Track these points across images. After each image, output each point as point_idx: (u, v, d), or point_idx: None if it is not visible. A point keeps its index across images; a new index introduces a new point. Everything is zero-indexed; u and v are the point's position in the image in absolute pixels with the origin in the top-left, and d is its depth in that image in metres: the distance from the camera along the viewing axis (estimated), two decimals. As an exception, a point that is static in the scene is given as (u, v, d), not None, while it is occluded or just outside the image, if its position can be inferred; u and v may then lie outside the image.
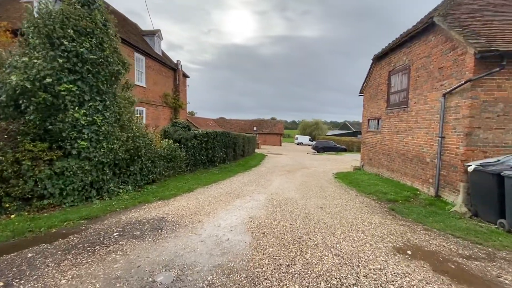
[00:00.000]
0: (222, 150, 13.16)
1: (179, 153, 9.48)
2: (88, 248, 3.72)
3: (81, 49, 5.82)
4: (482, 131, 6.12)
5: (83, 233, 4.27)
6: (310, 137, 63.22)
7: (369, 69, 12.57)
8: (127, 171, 7.08)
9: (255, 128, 56.18)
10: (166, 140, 9.17)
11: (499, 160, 5.50)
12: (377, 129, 11.72)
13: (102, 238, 4.11)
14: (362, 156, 13.61)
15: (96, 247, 3.76)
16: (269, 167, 14.94)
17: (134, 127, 7.39)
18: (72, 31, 5.79)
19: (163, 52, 21.98)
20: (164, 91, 19.96)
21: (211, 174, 10.56)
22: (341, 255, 3.74)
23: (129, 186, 6.99)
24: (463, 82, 6.23)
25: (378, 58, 11.55)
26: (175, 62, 22.24)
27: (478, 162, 5.74)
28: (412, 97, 8.71)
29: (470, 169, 5.75)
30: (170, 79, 21.22)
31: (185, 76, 24.26)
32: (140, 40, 17.73)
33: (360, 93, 13.84)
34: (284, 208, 6.12)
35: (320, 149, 35.53)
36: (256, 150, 33.14)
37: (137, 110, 15.95)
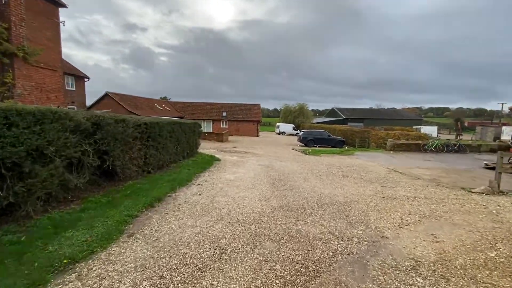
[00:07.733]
0: None
1: None
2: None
3: None
4: None
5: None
6: (294, 125, 51.74)
7: None
8: None
9: (224, 114, 43.30)
10: None
11: None
12: None
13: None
14: None
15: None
16: None
17: None
18: None
19: None
20: None
21: None
22: None
23: None
24: None
25: None
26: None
27: None
28: None
29: None
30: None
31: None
32: None
33: None
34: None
35: (310, 141, 23.98)
36: (219, 145, 21.23)
37: None
